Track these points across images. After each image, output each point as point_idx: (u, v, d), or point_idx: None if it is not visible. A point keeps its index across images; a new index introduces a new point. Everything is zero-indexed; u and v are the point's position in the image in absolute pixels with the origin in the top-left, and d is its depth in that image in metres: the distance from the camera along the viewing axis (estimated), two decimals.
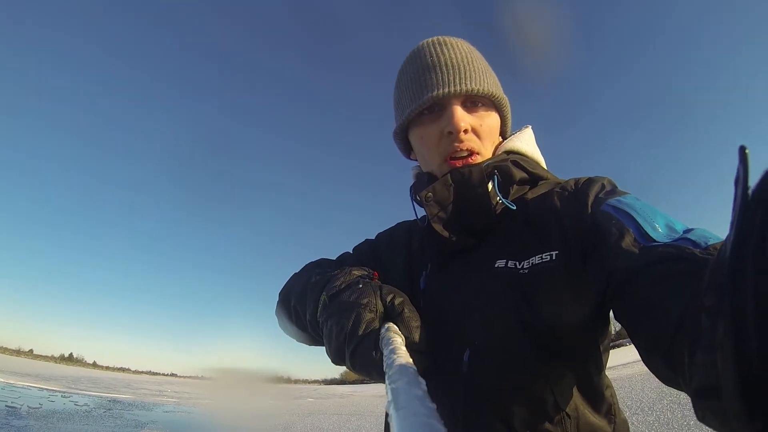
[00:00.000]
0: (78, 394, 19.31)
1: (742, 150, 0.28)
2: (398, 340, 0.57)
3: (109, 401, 17.19)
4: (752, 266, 0.27)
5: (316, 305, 0.73)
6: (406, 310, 0.65)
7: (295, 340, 0.92)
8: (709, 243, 0.50)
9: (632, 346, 0.61)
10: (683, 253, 0.50)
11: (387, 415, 0.35)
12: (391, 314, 0.65)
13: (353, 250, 1.04)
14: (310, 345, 0.89)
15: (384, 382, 0.47)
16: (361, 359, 0.61)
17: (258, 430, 11.77)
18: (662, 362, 0.48)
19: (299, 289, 0.84)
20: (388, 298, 0.66)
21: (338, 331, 0.63)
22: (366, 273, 0.75)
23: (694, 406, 0.39)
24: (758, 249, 0.27)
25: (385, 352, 0.53)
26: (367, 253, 1.00)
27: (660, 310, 0.49)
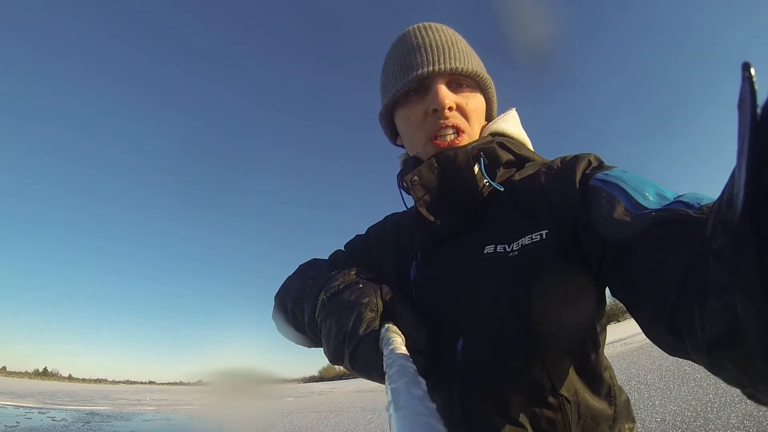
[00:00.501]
0: (55, 409, 18.89)
1: (747, 68, 0.24)
2: (398, 340, 0.57)
3: (87, 414, 16.81)
4: None
5: (314, 305, 0.73)
6: (406, 310, 0.66)
7: (294, 343, 0.92)
8: (703, 203, 0.49)
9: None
10: (677, 216, 0.49)
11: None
12: (391, 314, 0.65)
13: (345, 247, 1.03)
14: (308, 347, 0.88)
15: (384, 383, 0.48)
16: (362, 359, 0.61)
17: None
18: (667, 328, 0.45)
19: (295, 291, 0.83)
20: (389, 298, 0.67)
21: (338, 330, 0.63)
22: (365, 272, 0.75)
23: (709, 359, 0.38)
24: None
25: (385, 352, 0.53)
26: (358, 248, 0.99)
27: (660, 275, 0.47)
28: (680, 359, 0.41)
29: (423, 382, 0.42)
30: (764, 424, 4.32)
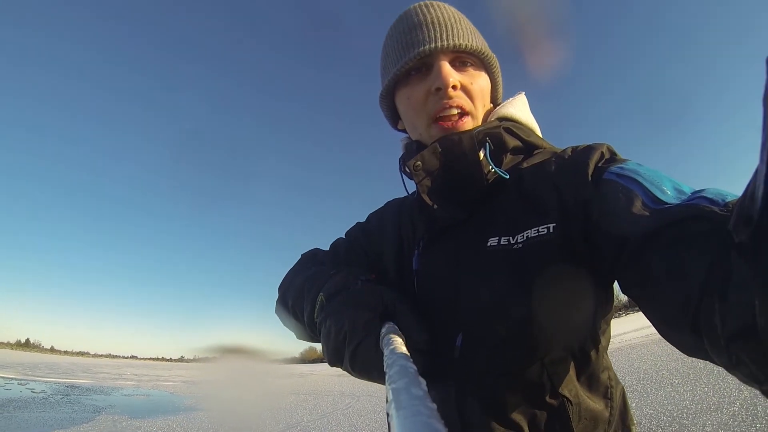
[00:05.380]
0: (35, 380, 18.97)
1: None
2: (399, 340, 0.56)
3: (67, 387, 16.93)
4: None
5: (313, 306, 0.71)
6: (407, 310, 0.64)
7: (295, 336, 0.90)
8: (728, 200, 0.47)
9: None
10: (702, 212, 0.46)
11: (387, 415, 0.37)
12: (391, 314, 0.64)
13: (346, 234, 1.01)
14: (311, 342, 0.86)
15: (384, 383, 0.47)
16: (362, 359, 0.59)
17: (215, 411, 11.82)
18: (688, 328, 0.43)
19: (295, 289, 0.82)
20: (389, 298, 0.65)
21: (338, 330, 0.61)
22: (364, 273, 0.74)
23: (727, 354, 0.37)
24: None
25: (385, 353, 0.52)
26: (359, 236, 0.97)
27: (683, 274, 0.44)
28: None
29: (423, 382, 0.40)
30: None
